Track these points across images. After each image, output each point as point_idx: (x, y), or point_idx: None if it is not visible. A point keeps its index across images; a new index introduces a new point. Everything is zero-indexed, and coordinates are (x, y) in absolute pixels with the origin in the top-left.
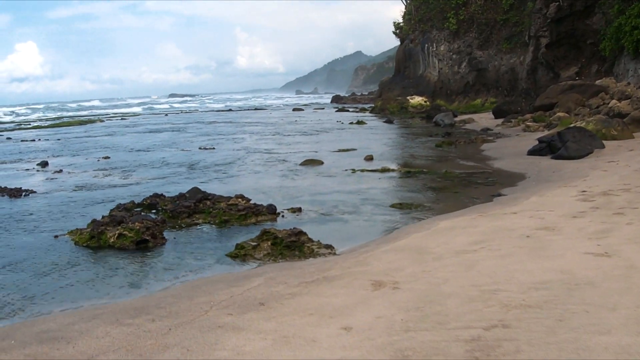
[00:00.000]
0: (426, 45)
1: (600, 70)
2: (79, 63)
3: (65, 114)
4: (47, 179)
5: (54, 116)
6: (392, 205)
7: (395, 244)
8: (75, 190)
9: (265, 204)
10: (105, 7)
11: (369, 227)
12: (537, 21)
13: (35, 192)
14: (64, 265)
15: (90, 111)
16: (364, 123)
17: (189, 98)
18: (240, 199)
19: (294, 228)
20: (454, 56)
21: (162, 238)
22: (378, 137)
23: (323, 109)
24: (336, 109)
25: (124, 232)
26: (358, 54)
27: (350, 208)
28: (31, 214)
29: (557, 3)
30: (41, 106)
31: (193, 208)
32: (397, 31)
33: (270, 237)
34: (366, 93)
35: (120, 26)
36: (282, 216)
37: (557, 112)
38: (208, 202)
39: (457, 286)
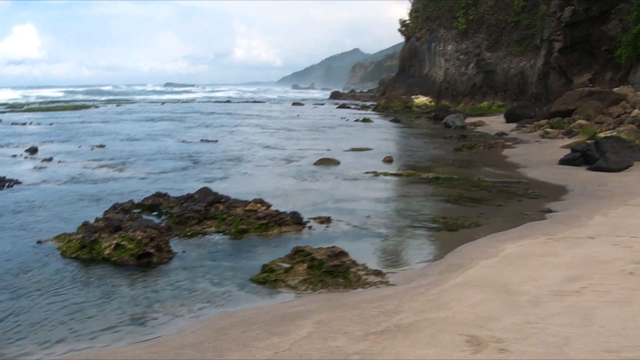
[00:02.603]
0: (433, 44)
1: (614, 78)
2: (76, 48)
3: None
4: (35, 167)
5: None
6: (435, 219)
7: (466, 275)
8: (65, 182)
9: (283, 209)
10: None
11: (416, 247)
12: (550, 24)
13: (20, 182)
14: (44, 284)
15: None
16: (371, 121)
17: (191, 88)
18: (259, 205)
19: (333, 247)
20: (461, 56)
21: (168, 251)
22: (389, 137)
23: (323, 104)
24: (337, 106)
25: (123, 243)
26: (356, 51)
27: (385, 220)
28: (12, 211)
29: (573, 7)
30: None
31: (204, 213)
32: (403, 29)
33: (306, 259)
34: (365, 91)
35: (119, 13)
36: (309, 227)
37: (578, 119)
38: (221, 206)
39: (587, 351)
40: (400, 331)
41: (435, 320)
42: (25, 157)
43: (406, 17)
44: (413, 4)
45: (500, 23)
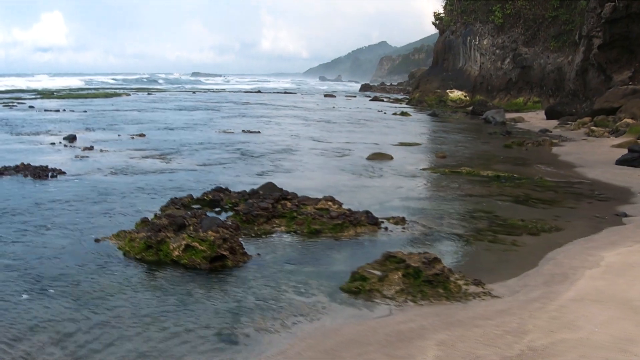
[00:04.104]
0: (468, 38)
1: None
2: (103, 36)
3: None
4: (76, 156)
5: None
6: (512, 222)
7: (578, 288)
8: (112, 173)
9: (349, 206)
10: None
11: (502, 252)
12: (590, 20)
13: (64, 173)
14: (111, 290)
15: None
16: (409, 115)
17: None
18: (330, 203)
19: (426, 253)
20: (497, 51)
21: (242, 254)
22: (431, 131)
23: (355, 97)
24: (369, 98)
25: (194, 244)
26: (383, 44)
27: (460, 222)
28: (61, 204)
29: (613, 3)
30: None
31: (272, 210)
32: (437, 22)
33: (401, 266)
34: (395, 84)
35: (145, 1)
36: (385, 228)
37: (624, 118)
38: (289, 204)
39: None
40: (539, 356)
41: (572, 343)
42: (65, 146)
43: (440, 10)
44: None
45: (537, 18)
